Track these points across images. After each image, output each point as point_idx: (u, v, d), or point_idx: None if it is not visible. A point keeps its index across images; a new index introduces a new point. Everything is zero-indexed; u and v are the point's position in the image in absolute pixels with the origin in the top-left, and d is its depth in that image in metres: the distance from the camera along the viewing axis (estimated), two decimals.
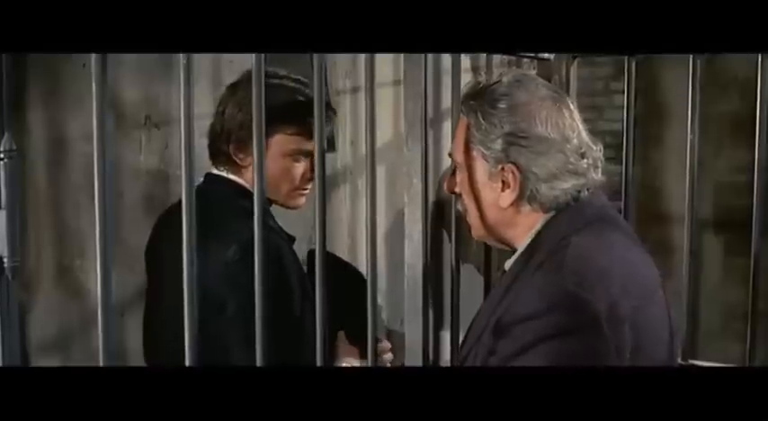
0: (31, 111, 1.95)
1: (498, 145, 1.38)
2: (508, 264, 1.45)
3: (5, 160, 0.97)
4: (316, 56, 1.08)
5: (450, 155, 1.50)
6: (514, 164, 1.37)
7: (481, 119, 1.39)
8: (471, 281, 2.16)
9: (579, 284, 1.26)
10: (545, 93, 1.41)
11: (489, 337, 1.34)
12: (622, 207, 1.90)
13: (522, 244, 1.43)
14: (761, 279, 1.76)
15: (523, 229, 1.42)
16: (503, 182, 1.39)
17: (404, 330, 1.85)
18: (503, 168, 1.38)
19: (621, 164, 1.93)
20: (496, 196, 1.40)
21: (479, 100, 1.41)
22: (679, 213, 1.91)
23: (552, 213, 1.40)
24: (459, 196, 1.50)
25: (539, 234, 1.40)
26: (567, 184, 1.38)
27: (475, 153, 1.41)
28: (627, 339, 1.27)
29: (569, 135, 1.38)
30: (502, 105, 1.38)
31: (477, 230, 1.49)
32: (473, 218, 1.47)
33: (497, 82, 1.41)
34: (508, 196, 1.39)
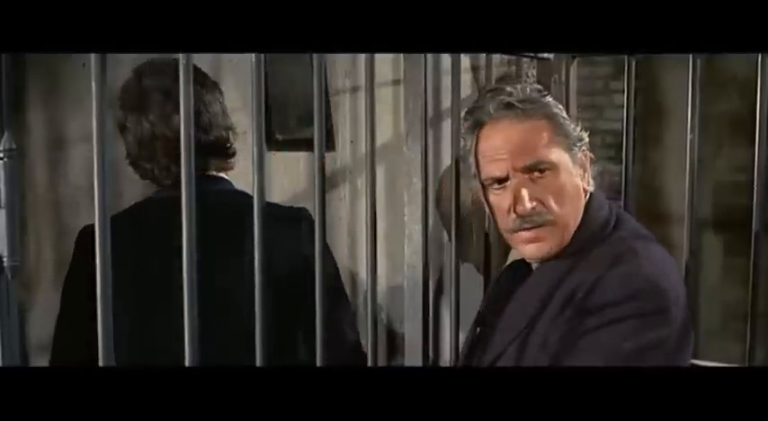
0: (31, 110, 1.95)
1: (573, 130, 1.44)
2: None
3: (5, 159, 0.97)
4: (316, 56, 1.08)
5: (514, 170, 1.40)
6: (586, 145, 1.46)
7: (553, 111, 1.43)
8: (471, 280, 2.16)
9: (657, 275, 1.33)
10: None
11: (562, 315, 1.36)
12: (622, 206, 1.90)
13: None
14: (761, 279, 1.76)
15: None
16: (580, 166, 1.45)
17: (403, 330, 1.86)
18: (582, 152, 1.45)
19: (621, 163, 1.94)
20: (583, 183, 1.45)
21: (534, 101, 1.43)
22: (679, 213, 1.91)
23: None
24: (523, 217, 1.42)
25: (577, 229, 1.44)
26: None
27: (557, 148, 1.42)
28: (682, 324, 1.35)
29: None
30: (548, 99, 1.45)
31: (561, 233, 1.42)
32: (567, 215, 1.42)
33: (523, 88, 1.45)
34: (588, 178, 1.46)
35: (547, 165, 1.40)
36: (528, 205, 1.39)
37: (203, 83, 1.66)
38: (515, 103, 1.41)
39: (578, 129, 1.45)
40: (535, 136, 1.41)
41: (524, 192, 1.39)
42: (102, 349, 0.91)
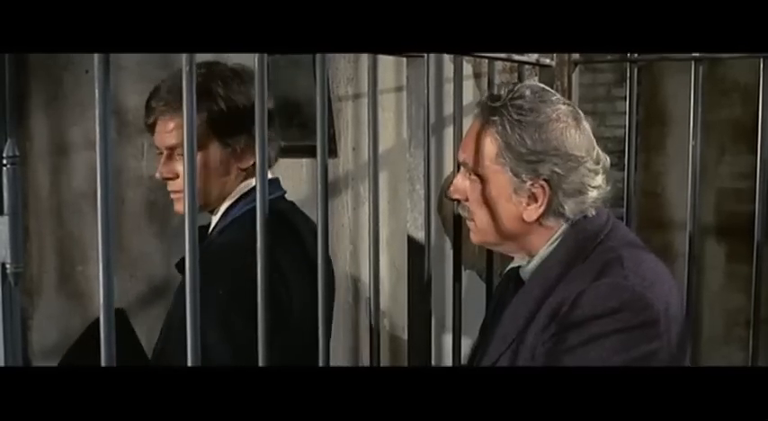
0: (34, 117, 1.95)
1: (531, 161, 1.36)
2: (532, 265, 1.44)
3: (8, 166, 0.96)
4: (318, 61, 1.08)
5: (460, 162, 1.46)
6: (546, 180, 1.37)
7: (511, 132, 1.37)
8: (473, 287, 2.16)
9: (643, 286, 1.31)
10: (565, 108, 1.41)
11: (549, 329, 1.33)
12: (624, 213, 1.90)
13: (543, 247, 1.42)
14: (763, 285, 1.76)
15: (543, 237, 1.42)
16: (529, 196, 1.38)
17: (406, 337, 1.85)
18: (533, 184, 1.37)
19: (623, 170, 1.94)
20: (520, 210, 1.39)
21: (506, 113, 1.38)
22: (681, 219, 1.92)
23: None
24: (459, 202, 1.48)
25: (566, 238, 1.41)
26: (591, 198, 1.39)
27: (499, 166, 1.39)
28: (674, 336, 1.32)
29: (591, 150, 1.41)
30: (530, 120, 1.37)
31: (482, 236, 1.46)
32: (484, 225, 1.44)
33: (519, 95, 1.40)
34: (534, 211, 1.38)
35: (473, 172, 1.43)
36: (449, 194, 1.48)
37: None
38: (485, 106, 1.43)
39: (546, 166, 1.36)
40: (480, 143, 1.42)
41: (454, 181, 1.47)
42: (104, 355, 0.91)
